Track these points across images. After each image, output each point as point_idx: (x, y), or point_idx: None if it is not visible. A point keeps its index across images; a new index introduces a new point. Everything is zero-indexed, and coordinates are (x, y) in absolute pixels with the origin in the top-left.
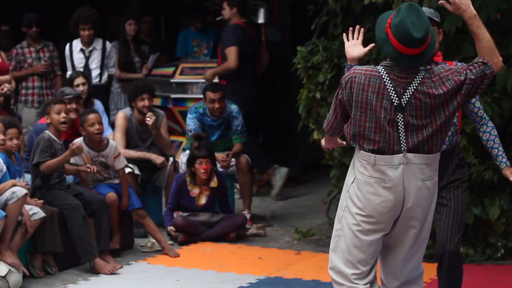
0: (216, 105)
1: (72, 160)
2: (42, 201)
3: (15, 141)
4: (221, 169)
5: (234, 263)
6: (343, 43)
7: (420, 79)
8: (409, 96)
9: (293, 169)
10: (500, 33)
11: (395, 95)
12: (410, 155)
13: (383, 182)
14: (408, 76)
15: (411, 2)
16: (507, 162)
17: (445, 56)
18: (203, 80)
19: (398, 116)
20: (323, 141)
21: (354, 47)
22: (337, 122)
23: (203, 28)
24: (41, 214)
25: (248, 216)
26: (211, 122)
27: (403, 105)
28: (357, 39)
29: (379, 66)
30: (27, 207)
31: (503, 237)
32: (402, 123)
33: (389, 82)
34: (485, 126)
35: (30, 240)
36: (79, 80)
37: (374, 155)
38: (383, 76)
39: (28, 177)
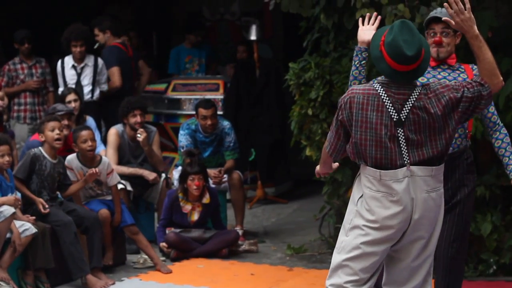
0: (209, 122)
1: None
2: (34, 217)
3: (6, 158)
4: (213, 185)
5: (227, 279)
6: (334, 59)
7: (416, 95)
8: (407, 111)
9: (286, 185)
10: (491, 50)
11: (394, 111)
12: (414, 167)
13: (390, 196)
14: (405, 92)
15: (403, 20)
16: None
17: None
18: (196, 97)
19: (398, 131)
20: (318, 168)
21: (367, 31)
22: (341, 143)
23: (198, 43)
24: (32, 230)
25: (240, 232)
26: (203, 138)
27: (403, 120)
28: (372, 24)
29: (376, 84)
30: (18, 223)
31: (495, 253)
32: (403, 138)
33: (387, 98)
34: (498, 133)
35: (22, 256)
36: (71, 96)
37: (379, 170)
38: (380, 94)
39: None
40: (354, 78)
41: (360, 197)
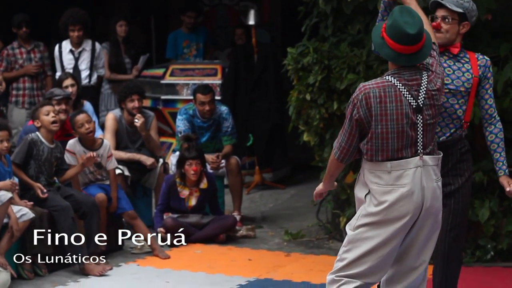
0: (207, 107)
1: (67, 161)
2: (31, 202)
3: (5, 144)
4: (211, 171)
5: (224, 265)
6: (333, 44)
7: (426, 77)
8: (423, 96)
9: (283, 171)
10: (490, 34)
11: (412, 98)
12: (426, 157)
13: (401, 187)
14: (417, 77)
15: (402, 5)
16: (506, 171)
17: None
18: (194, 82)
19: (418, 118)
20: (319, 187)
21: None
22: (355, 144)
23: (194, 25)
24: (30, 215)
25: (238, 217)
26: (201, 123)
27: (421, 105)
28: None
29: (388, 76)
30: (15, 208)
31: (493, 239)
32: (421, 124)
33: (403, 87)
34: (492, 126)
35: (19, 242)
36: (68, 81)
37: (389, 162)
38: (395, 84)
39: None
40: (381, 18)
41: (367, 193)
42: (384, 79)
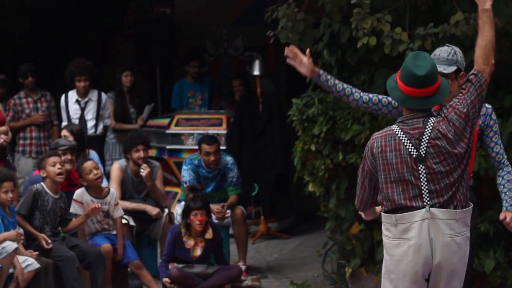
0: (212, 158)
1: (72, 210)
2: (37, 252)
3: (10, 195)
4: (216, 221)
5: None
6: None
7: (431, 125)
8: (425, 145)
9: (288, 221)
10: (494, 85)
11: (412, 147)
12: (434, 210)
13: (407, 240)
14: (420, 125)
15: (418, 51)
16: (508, 207)
17: None
18: (199, 131)
19: (420, 167)
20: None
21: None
22: (367, 195)
23: (199, 75)
24: (35, 265)
25: (243, 267)
26: (206, 173)
27: (423, 155)
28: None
29: (394, 125)
30: (21, 258)
31: None
32: (425, 174)
33: (403, 136)
34: (501, 171)
35: None
36: (63, 132)
37: (394, 215)
38: (396, 132)
39: None
40: (343, 89)
41: (384, 247)
42: (389, 128)
